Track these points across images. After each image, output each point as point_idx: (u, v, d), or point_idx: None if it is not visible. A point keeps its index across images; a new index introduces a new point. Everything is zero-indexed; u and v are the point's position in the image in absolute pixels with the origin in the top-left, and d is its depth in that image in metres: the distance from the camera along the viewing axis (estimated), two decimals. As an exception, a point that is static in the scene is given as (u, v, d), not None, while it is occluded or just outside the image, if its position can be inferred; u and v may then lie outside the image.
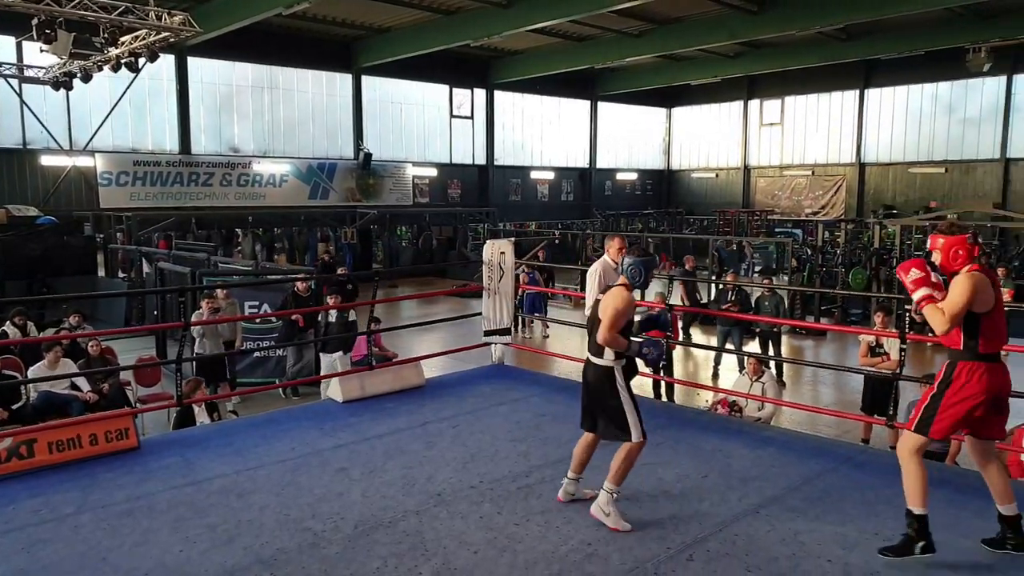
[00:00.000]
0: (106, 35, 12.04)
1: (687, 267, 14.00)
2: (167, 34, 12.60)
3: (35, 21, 11.48)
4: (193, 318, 8.35)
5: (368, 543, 3.83)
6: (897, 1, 17.16)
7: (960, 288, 3.56)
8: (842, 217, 25.49)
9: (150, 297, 12.44)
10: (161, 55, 13.89)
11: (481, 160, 28.27)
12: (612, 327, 4.00)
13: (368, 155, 23.78)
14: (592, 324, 4.22)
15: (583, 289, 17.73)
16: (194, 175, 20.55)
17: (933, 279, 3.69)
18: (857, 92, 28.41)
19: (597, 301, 4.27)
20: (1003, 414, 3.82)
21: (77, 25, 11.82)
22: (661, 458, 5.22)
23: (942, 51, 22.03)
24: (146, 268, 14.07)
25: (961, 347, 3.68)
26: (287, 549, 3.76)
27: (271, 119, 22.74)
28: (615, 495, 4.08)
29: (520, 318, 13.46)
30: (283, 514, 4.17)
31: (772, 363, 10.14)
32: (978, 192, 25.50)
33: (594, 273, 6.12)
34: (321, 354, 8.85)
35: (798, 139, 30.60)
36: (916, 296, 3.67)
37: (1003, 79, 24.80)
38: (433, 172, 26.77)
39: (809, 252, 17.79)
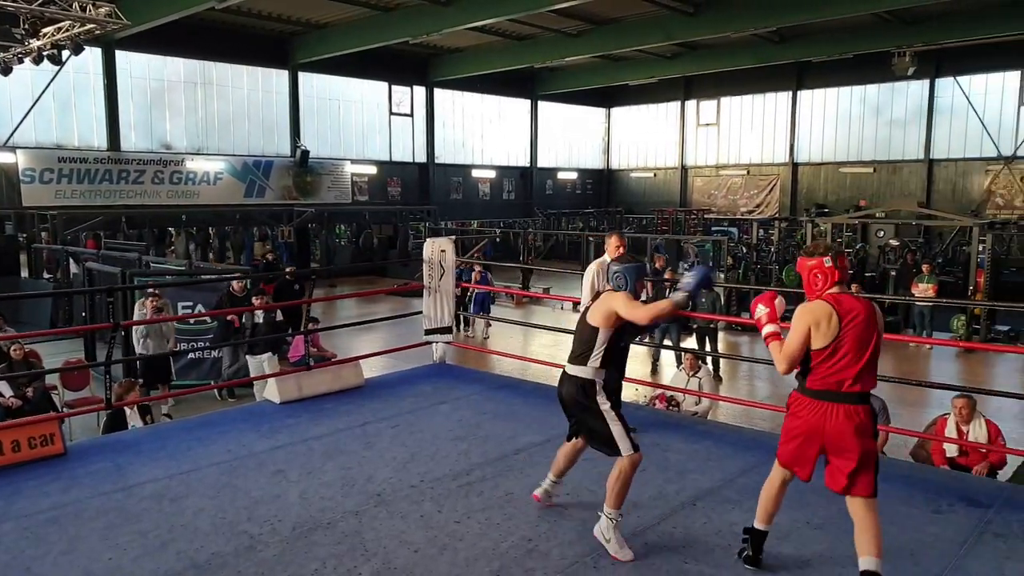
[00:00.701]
0: (27, 26, 11.55)
1: (656, 266, 14.07)
2: (92, 26, 12.14)
3: None
4: (136, 317, 8.11)
5: (306, 545, 3.78)
6: (827, 5, 17.70)
7: (793, 325, 3.32)
8: (776, 216, 26.19)
9: (78, 298, 12.00)
10: (87, 48, 13.39)
11: (421, 158, 28.12)
12: (642, 313, 3.65)
13: (305, 152, 23.40)
14: (581, 329, 3.89)
15: (526, 288, 17.92)
16: (124, 172, 19.88)
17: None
18: (790, 93, 29.24)
19: (585, 309, 3.98)
20: (846, 461, 3.31)
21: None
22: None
23: (870, 55, 22.84)
24: (73, 268, 13.56)
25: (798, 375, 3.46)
26: (223, 553, 3.68)
27: (205, 115, 22.17)
28: (616, 520, 3.74)
29: (463, 317, 13.45)
30: (218, 518, 4.08)
31: (709, 359, 10.34)
32: (904, 191, 26.52)
33: (590, 273, 5.77)
34: (248, 356, 8.68)
35: (733, 139, 31.33)
36: (763, 333, 3.46)
37: (926, 82, 25.85)
38: (372, 170, 26.51)
39: (744, 250, 18.22)
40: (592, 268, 5.81)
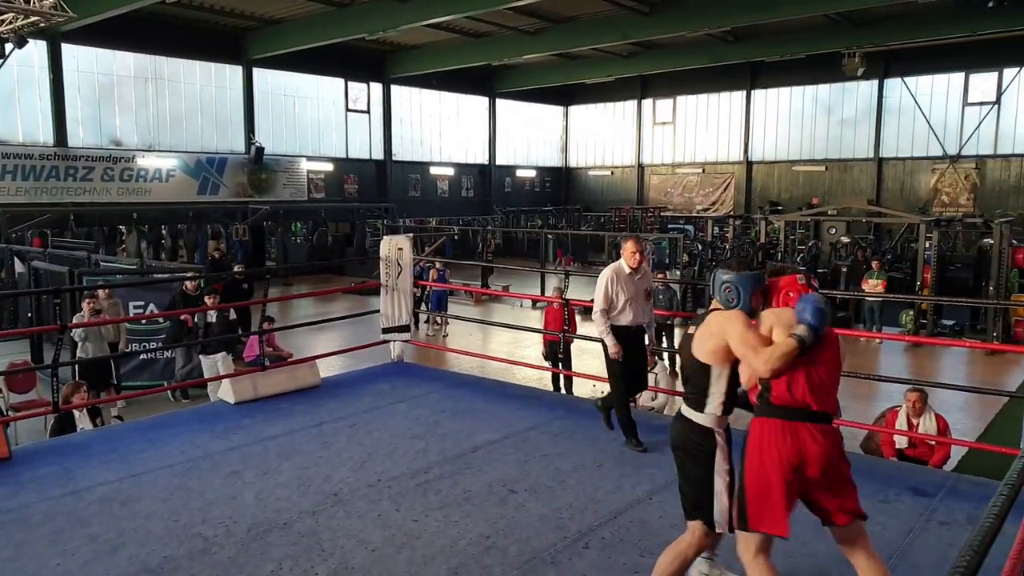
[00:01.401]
0: (-32, 18, 11.22)
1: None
2: (36, 19, 11.80)
3: None
4: (75, 320, 7.90)
5: (262, 546, 3.74)
6: (779, 6, 18.02)
7: (762, 328, 3.00)
8: (731, 213, 26.61)
9: (24, 299, 11.66)
10: (31, 41, 13.00)
11: (379, 155, 27.90)
12: (766, 357, 2.82)
13: (260, 149, 23.05)
14: (689, 362, 3.20)
15: (485, 286, 17.91)
16: (72, 169, 19.34)
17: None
18: (744, 93, 29.70)
19: (689, 337, 3.19)
20: (840, 487, 2.93)
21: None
22: (559, 448, 5.32)
23: (821, 55, 23.30)
24: (19, 267, 13.17)
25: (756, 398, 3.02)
26: (176, 556, 3.62)
27: (156, 111, 21.68)
28: None
29: (426, 315, 13.38)
30: (171, 520, 4.01)
31: (665, 354, 10.46)
32: (855, 189, 27.12)
33: (604, 280, 5.21)
34: (202, 356, 8.54)
35: (689, 138, 31.71)
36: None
37: (875, 83, 26.47)
38: (329, 167, 26.23)
39: (700, 247, 18.48)
40: (607, 274, 5.22)
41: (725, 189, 30.57)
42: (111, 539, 3.80)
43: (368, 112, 27.38)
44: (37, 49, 18.01)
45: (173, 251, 20.04)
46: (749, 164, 29.97)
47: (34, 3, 11.54)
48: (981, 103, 24.96)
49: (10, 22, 11.88)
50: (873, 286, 13.65)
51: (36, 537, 3.83)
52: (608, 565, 3.65)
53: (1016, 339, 13.23)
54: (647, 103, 32.62)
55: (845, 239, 17.64)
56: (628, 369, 5.28)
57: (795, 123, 28.84)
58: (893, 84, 26.43)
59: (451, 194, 30.90)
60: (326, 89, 25.95)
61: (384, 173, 27.93)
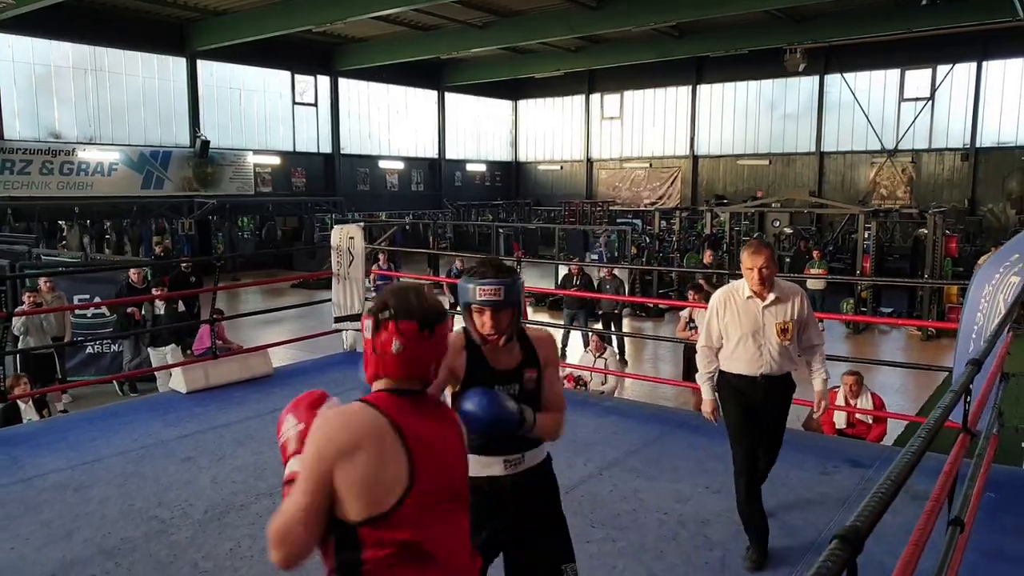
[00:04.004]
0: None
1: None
2: None
3: None
4: (15, 319, 7.74)
5: (219, 526, 3.77)
6: (722, 2, 18.38)
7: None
8: (678, 206, 27.06)
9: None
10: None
11: (327, 148, 27.62)
12: None
13: (206, 143, 22.64)
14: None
15: (434, 273, 17.93)
16: (8, 162, 18.73)
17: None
18: (690, 88, 30.17)
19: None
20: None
21: None
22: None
23: (764, 51, 23.79)
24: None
25: None
26: (132, 538, 3.63)
27: (97, 104, 21.11)
28: None
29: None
30: (127, 505, 4.01)
31: (614, 341, 10.68)
32: (798, 183, 27.80)
33: (712, 305, 3.76)
34: (151, 349, 8.43)
35: (636, 133, 32.10)
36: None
37: (817, 79, 27.17)
38: (276, 160, 25.88)
39: (648, 240, 18.80)
40: (715, 299, 3.76)
41: (672, 183, 31.07)
42: (65, 524, 3.79)
43: (316, 105, 27.08)
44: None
45: (118, 246, 19.58)
46: (695, 158, 30.49)
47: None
48: (916, 99, 25.80)
49: None
50: (814, 276, 14.07)
51: (-14, 524, 3.79)
52: (561, 535, 3.78)
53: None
54: (595, 98, 32.92)
55: (788, 230, 18.14)
56: (748, 441, 3.63)
57: (740, 118, 29.43)
58: (833, 80, 27.16)
59: (401, 188, 30.76)
60: (272, 82, 25.59)
61: (332, 167, 27.68)
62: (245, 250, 22.64)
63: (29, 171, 19.09)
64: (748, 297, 3.58)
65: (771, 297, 3.55)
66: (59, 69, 20.17)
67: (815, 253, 15.03)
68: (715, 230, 17.41)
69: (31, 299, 7.72)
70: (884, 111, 26.45)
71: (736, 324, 3.61)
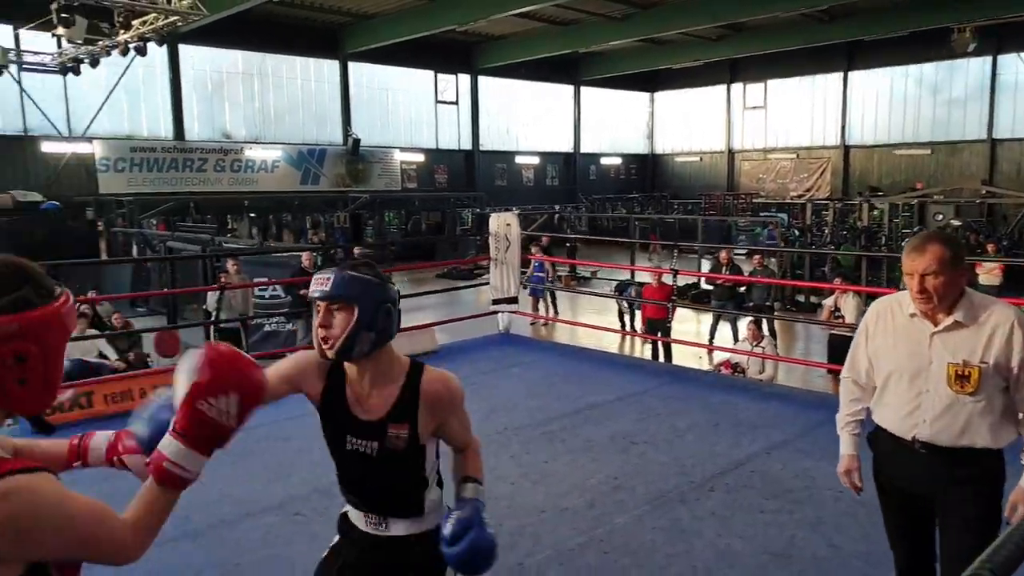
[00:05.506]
0: (120, 19, 12.11)
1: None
2: (176, 18, 12.62)
3: (54, 6, 11.49)
4: (209, 297, 8.54)
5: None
6: (880, -19, 17.41)
7: None
8: (829, 198, 25.81)
9: (154, 275, 12.57)
10: (152, 43, 13.88)
11: (467, 145, 28.38)
12: None
13: (357, 141, 23.86)
14: None
15: (573, 271, 17.99)
16: (188, 161, 20.57)
17: None
18: (841, 75, 28.70)
19: None
20: None
21: (88, 10, 11.87)
22: (672, 409, 5.50)
23: (926, 31, 22.24)
24: (150, 252, 14.14)
25: None
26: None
27: (262, 106, 22.74)
28: None
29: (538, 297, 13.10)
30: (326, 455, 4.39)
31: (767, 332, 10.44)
32: (964, 173, 25.68)
33: (863, 322, 2.54)
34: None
35: (782, 122, 30.90)
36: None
37: (988, 59, 25.03)
38: (420, 158, 26.87)
39: (797, 233, 18.11)
40: (871, 314, 2.51)
41: (820, 174, 29.73)
42: (283, 466, 4.32)
43: (456, 103, 27.89)
44: (159, 51, 19.20)
45: (278, 238, 21.03)
46: (846, 148, 29.02)
47: (175, 3, 12.34)
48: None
49: (151, 22, 12.73)
50: (988, 270, 12.94)
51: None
52: (736, 506, 3.82)
53: None
54: (737, 87, 31.98)
55: (956, 222, 16.95)
56: (910, 544, 2.49)
57: (896, 104, 27.70)
58: (1008, 60, 24.90)
59: (536, 183, 31.12)
60: (416, 81, 26.57)
61: (472, 163, 28.41)
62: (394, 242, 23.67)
63: (205, 168, 20.89)
64: (912, 315, 2.31)
65: (949, 320, 2.24)
66: (230, 75, 21.89)
67: (989, 247, 13.95)
68: (871, 223, 16.56)
69: (224, 279, 8.50)
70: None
71: (889, 353, 2.39)
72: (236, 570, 3.34)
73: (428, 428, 1.90)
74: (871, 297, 7.88)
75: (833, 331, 8.34)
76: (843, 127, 28.86)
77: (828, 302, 8.72)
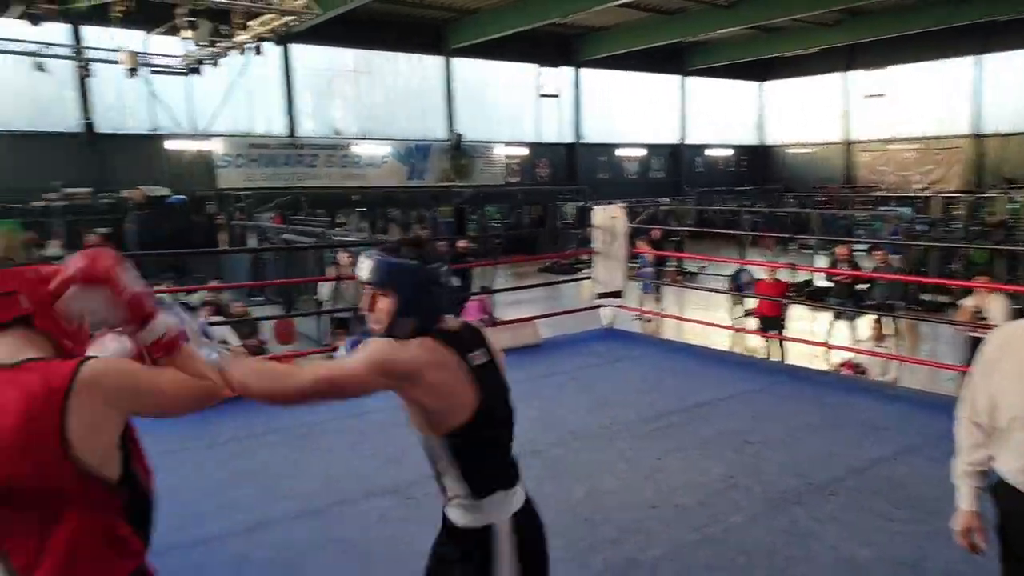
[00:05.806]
0: (240, 20, 12.71)
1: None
2: (291, 18, 13.09)
3: (180, 11, 12.16)
4: (323, 287, 8.85)
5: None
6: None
7: None
8: (961, 190, 24.14)
9: (270, 266, 13.11)
10: (265, 43, 14.45)
11: (569, 138, 28.21)
12: None
13: (459, 136, 24.18)
14: None
15: (680, 266, 17.53)
16: (300, 157, 21.40)
17: None
18: (972, 58, 26.80)
19: None
20: None
21: (210, 13, 12.49)
22: (787, 408, 5.25)
23: (1070, 10, 20.51)
24: (251, 243, 14.75)
25: None
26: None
27: (369, 102, 23.33)
28: None
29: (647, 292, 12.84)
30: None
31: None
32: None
33: (983, 351, 2.21)
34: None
35: (904, 111, 29.13)
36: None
37: None
38: (523, 151, 26.90)
39: (927, 227, 17.04)
40: (992, 342, 2.15)
41: (949, 166, 27.89)
42: (394, 450, 4.35)
43: (558, 96, 27.76)
44: (272, 51, 20.03)
45: (384, 232, 21.51)
46: (979, 137, 27.11)
47: (289, 3, 12.80)
48: None
49: (268, 23, 13.27)
50: None
51: (337, 447, 4.37)
52: (860, 512, 3.60)
53: None
54: (854, 75, 30.42)
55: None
56: None
57: (1035, 89, 25.58)
58: None
59: (639, 175, 30.63)
60: (518, 75, 26.59)
61: (573, 156, 28.23)
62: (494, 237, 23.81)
63: (316, 164, 21.66)
64: None
65: None
66: (338, 73, 22.56)
67: None
68: (1007, 217, 15.35)
69: (349, 258, 8.78)
70: None
71: (1015, 388, 1.95)
72: (355, 547, 3.42)
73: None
74: (1018, 297, 7.33)
75: (974, 333, 7.63)
76: (976, 114, 26.92)
77: (967, 302, 8.01)
